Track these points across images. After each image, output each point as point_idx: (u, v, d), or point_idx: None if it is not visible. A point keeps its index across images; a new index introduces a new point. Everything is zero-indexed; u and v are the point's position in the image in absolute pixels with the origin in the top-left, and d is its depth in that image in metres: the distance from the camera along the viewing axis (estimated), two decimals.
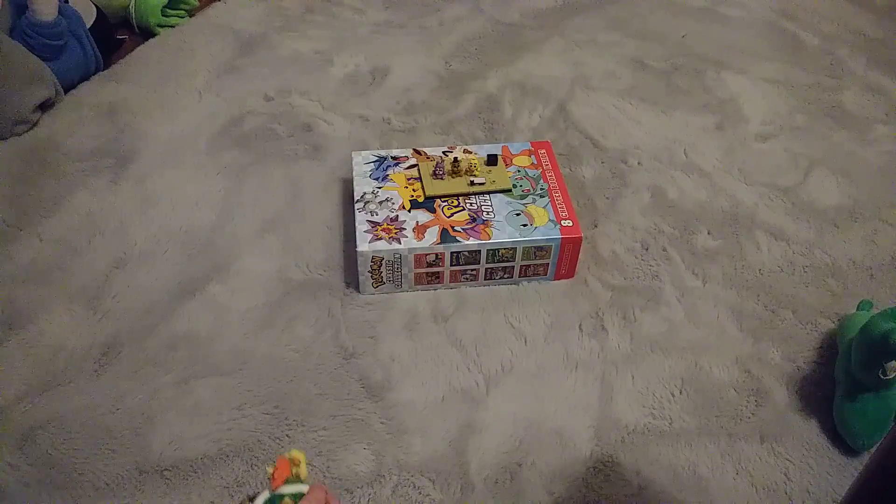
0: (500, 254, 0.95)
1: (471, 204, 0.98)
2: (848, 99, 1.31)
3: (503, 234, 0.95)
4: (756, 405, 0.87)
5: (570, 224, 0.96)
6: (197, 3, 1.47)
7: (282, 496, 0.64)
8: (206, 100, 1.26)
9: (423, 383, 0.88)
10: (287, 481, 0.65)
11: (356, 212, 0.97)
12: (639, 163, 1.17)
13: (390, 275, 0.95)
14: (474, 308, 0.96)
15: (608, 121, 1.25)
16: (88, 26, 1.28)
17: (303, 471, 0.65)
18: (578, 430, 0.84)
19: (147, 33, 1.41)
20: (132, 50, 1.36)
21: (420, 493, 0.78)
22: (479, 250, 0.94)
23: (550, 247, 0.96)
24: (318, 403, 0.85)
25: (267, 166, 1.14)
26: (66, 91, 1.24)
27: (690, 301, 0.98)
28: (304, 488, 0.64)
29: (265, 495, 0.64)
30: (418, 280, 0.96)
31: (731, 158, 1.19)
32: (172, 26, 1.42)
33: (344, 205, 1.08)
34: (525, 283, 0.99)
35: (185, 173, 1.13)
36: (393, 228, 0.95)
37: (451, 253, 0.94)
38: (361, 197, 0.99)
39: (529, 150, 1.07)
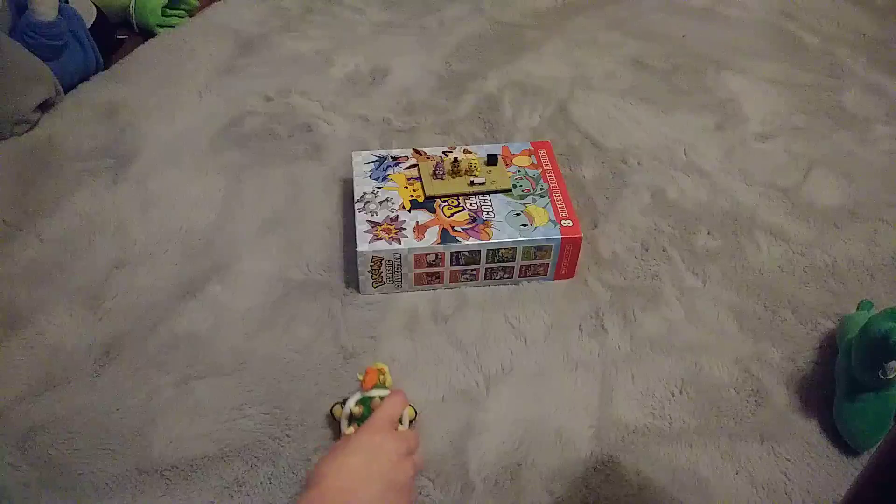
0: (500, 254, 0.95)
1: (471, 204, 0.98)
2: (848, 99, 1.31)
3: (503, 234, 0.95)
4: (756, 405, 0.87)
5: (570, 224, 0.96)
6: (197, 3, 1.47)
7: (371, 397, 0.79)
8: (206, 100, 1.26)
9: (423, 383, 0.88)
10: (375, 386, 0.80)
11: (356, 212, 0.97)
12: (639, 163, 1.17)
13: (390, 275, 0.95)
14: (474, 308, 0.96)
15: (608, 121, 1.25)
16: (88, 26, 1.28)
17: (388, 379, 0.82)
18: (578, 430, 0.84)
19: (147, 33, 1.41)
20: (132, 50, 1.36)
21: (420, 493, 0.78)
22: (479, 250, 0.94)
23: (550, 247, 0.96)
24: (319, 403, 0.85)
25: (267, 166, 1.14)
26: (66, 91, 1.24)
27: (690, 301, 0.98)
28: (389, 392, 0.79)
29: (357, 396, 0.79)
30: (418, 280, 0.96)
31: (731, 158, 1.19)
32: (172, 26, 1.42)
33: (344, 205, 1.08)
34: (525, 283, 0.99)
35: (185, 173, 1.13)
36: (393, 228, 0.95)
37: (451, 253, 0.94)
38: (361, 197, 0.99)
39: (529, 150, 1.07)
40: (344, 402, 0.80)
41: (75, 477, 0.79)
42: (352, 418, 0.78)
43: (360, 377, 0.81)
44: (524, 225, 0.96)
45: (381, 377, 0.81)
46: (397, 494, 0.68)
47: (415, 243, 0.93)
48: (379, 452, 0.68)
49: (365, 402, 0.78)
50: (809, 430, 0.85)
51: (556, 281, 0.99)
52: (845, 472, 0.82)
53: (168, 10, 1.42)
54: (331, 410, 0.82)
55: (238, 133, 1.20)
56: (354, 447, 0.68)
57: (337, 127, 1.22)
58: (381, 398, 0.78)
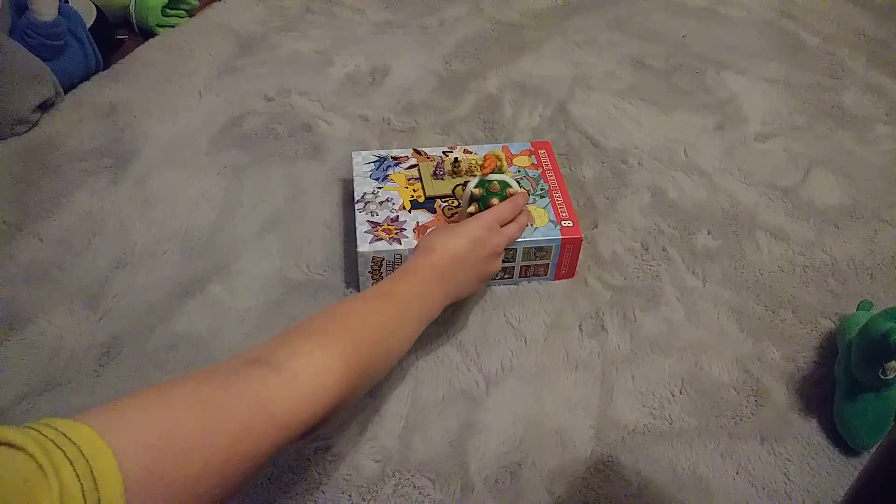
0: None
1: None
2: (848, 99, 1.31)
3: None
4: (756, 405, 0.87)
5: (571, 224, 0.96)
6: (197, 3, 1.47)
7: (490, 181, 0.89)
8: (206, 100, 1.26)
9: (423, 383, 0.88)
10: (493, 171, 0.90)
11: (356, 212, 0.97)
12: (639, 163, 1.17)
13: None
14: (474, 308, 0.96)
15: (608, 121, 1.25)
16: (88, 26, 1.28)
17: (504, 165, 0.91)
18: (578, 430, 0.84)
19: (147, 33, 1.41)
20: (132, 50, 1.36)
21: (420, 492, 0.79)
22: None
23: (551, 247, 0.96)
24: None
25: (267, 166, 1.14)
26: (66, 91, 1.24)
27: (690, 301, 0.98)
28: (506, 177, 0.89)
29: (476, 180, 0.90)
30: None
31: (731, 158, 1.19)
32: (172, 26, 1.42)
33: (344, 205, 1.08)
34: (525, 283, 0.99)
35: (185, 173, 1.13)
36: (393, 229, 0.95)
37: None
38: (362, 197, 0.99)
39: (529, 150, 1.07)
40: (465, 184, 0.93)
41: None
42: (472, 199, 0.89)
43: (481, 162, 0.93)
44: None
45: (499, 163, 0.90)
46: (480, 283, 0.86)
47: (416, 244, 0.93)
48: (481, 245, 0.83)
49: (483, 184, 0.89)
50: (809, 430, 0.85)
51: (556, 281, 0.99)
52: (845, 472, 0.82)
53: (168, 10, 1.42)
54: (452, 191, 0.97)
55: (238, 133, 1.20)
56: (464, 233, 0.82)
57: (337, 127, 1.22)
58: (498, 182, 0.88)
